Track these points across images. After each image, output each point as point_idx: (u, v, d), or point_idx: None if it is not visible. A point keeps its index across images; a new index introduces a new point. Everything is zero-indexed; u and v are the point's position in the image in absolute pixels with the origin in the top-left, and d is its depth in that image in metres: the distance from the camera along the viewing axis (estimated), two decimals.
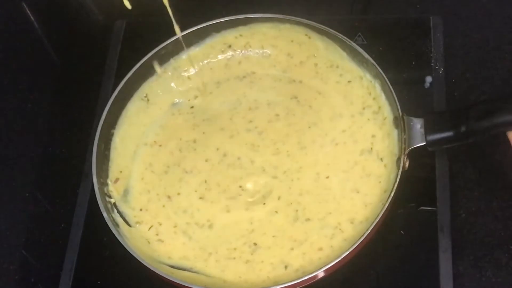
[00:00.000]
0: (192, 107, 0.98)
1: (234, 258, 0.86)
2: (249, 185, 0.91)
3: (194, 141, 0.95)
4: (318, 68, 0.97)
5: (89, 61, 1.08)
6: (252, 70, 0.99)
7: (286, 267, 0.85)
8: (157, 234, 0.89)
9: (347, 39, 0.93)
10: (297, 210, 0.88)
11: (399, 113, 0.86)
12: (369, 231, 0.80)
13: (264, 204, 0.89)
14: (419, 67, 1.00)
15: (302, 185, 0.90)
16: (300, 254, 0.85)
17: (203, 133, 0.95)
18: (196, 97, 0.99)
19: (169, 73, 0.98)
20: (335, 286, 0.85)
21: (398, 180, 0.82)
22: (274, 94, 0.97)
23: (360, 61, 0.92)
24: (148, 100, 0.97)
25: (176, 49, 0.97)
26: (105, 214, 0.85)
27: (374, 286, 0.87)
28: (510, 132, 0.81)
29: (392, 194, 0.81)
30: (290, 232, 0.87)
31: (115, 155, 0.93)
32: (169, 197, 0.91)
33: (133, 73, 0.94)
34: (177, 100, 0.99)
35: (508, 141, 0.82)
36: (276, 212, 0.89)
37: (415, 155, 0.85)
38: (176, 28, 0.92)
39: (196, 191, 0.91)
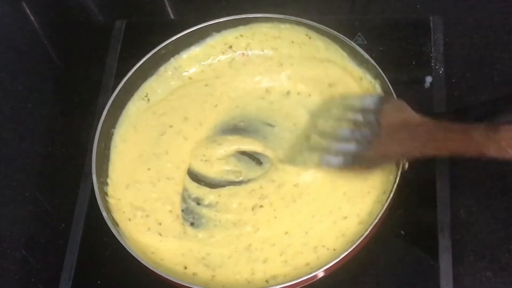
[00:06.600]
0: None
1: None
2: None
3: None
4: None
5: (89, 61, 1.08)
6: (253, 72, 0.99)
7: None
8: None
9: (347, 39, 0.92)
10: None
11: None
12: (368, 231, 0.80)
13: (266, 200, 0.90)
14: (419, 67, 0.99)
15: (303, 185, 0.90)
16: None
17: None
18: None
19: (170, 73, 0.98)
20: (335, 286, 0.85)
21: (397, 181, 0.82)
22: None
23: (360, 61, 0.92)
24: (148, 100, 0.97)
25: (176, 49, 0.97)
26: (105, 214, 0.85)
27: (374, 286, 0.87)
28: None
29: (391, 195, 0.81)
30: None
31: (115, 155, 0.93)
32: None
33: (133, 73, 0.94)
34: None
35: None
36: (275, 210, 0.89)
37: None
38: None
39: None
